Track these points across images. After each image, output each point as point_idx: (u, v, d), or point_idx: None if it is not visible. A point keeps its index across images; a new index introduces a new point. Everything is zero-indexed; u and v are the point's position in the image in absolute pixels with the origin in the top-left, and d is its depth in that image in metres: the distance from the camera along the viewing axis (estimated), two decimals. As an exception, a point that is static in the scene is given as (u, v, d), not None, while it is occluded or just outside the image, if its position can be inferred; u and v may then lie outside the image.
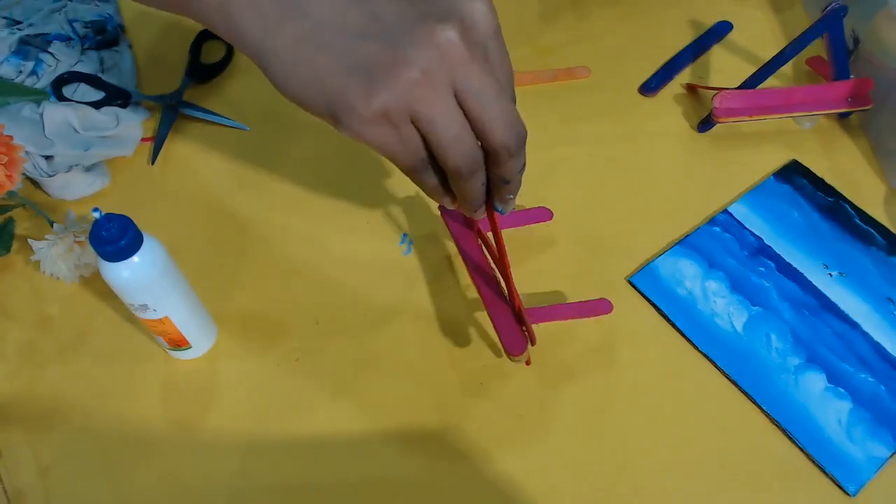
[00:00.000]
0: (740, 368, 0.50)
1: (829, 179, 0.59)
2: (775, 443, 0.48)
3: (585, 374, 0.50)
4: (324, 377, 0.50)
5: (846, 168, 0.60)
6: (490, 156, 0.36)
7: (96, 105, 0.60)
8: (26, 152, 0.55)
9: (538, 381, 0.50)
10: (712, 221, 0.56)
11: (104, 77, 0.62)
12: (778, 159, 0.61)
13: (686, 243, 0.55)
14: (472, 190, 0.37)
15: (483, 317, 0.52)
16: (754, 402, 0.49)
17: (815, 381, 0.49)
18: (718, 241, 0.55)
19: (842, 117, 0.63)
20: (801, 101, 0.60)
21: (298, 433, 0.48)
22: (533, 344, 0.47)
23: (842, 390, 0.49)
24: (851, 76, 0.61)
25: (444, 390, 0.50)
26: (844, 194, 0.58)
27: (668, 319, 0.52)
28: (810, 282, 0.53)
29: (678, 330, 0.52)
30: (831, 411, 0.48)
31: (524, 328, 0.47)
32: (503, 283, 0.48)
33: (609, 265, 0.55)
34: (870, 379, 0.49)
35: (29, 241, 0.52)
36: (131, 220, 0.41)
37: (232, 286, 0.54)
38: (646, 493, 0.46)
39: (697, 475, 0.46)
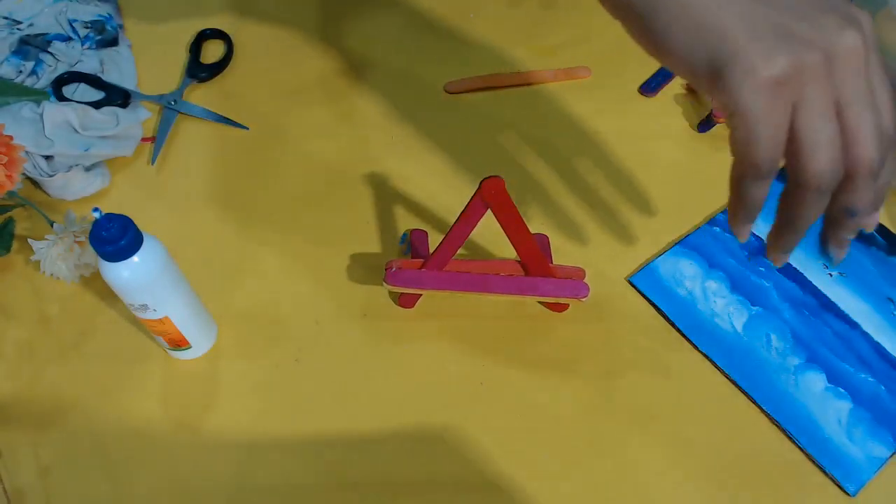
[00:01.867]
0: (740, 368, 0.50)
1: (829, 179, 0.59)
2: (775, 443, 0.48)
3: (585, 374, 0.50)
4: (324, 377, 0.50)
5: (846, 168, 0.60)
6: (844, 177, 0.33)
7: (96, 105, 0.60)
8: (26, 152, 0.55)
9: (538, 381, 0.50)
10: (712, 221, 0.56)
11: (104, 77, 0.62)
12: (778, 159, 0.61)
13: (686, 243, 0.55)
14: (808, 213, 0.34)
15: (483, 316, 0.52)
16: (754, 402, 0.49)
17: (816, 381, 0.49)
18: (718, 241, 0.55)
19: (842, 117, 0.63)
20: (802, 101, 0.60)
21: (298, 433, 0.48)
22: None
23: (842, 390, 0.49)
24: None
25: (444, 390, 0.50)
26: None
27: (668, 319, 0.52)
28: (810, 282, 0.53)
29: (678, 330, 0.52)
30: (831, 411, 0.48)
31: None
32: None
33: (609, 265, 0.55)
34: (870, 379, 0.49)
35: (29, 241, 0.52)
36: (131, 220, 0.41)
37: (232, 286, 0.54)
38: (646, 494, 0.46)
39: (697, 475, 0.46)
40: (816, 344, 0.51)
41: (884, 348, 0.50)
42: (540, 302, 0.53)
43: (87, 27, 0.65)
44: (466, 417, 0.48)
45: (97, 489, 0.46)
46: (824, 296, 0.53)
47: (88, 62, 0.63)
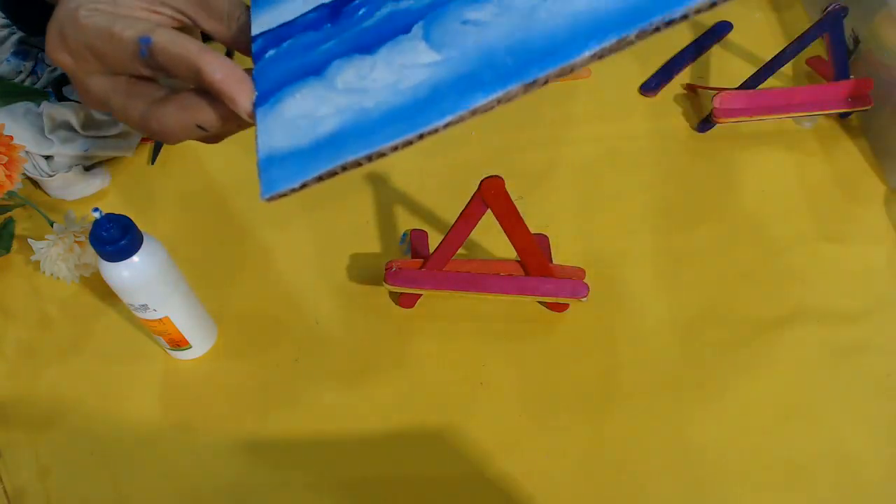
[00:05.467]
0: None
1: (829, 180, 0.59)
2: (778, 443, 0.48)
3: (585, 373, 0.50)
4: (323, 377, 0.50)
5: (846, 168, 0.60)
6: None
7: (96, 105, 0.60)
8: (26, 152, 0.55)
9: (538, 381, 0.50)
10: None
11: (104, 77, 0.62)
12: (777, 159, 0.61)
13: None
14: None
15: (483, 316, 0.53)
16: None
17: None
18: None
19: (842, 117, 0.63)
20: (802, 102, 0.60)
21: (298, 433, 0.48)
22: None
23: None
24: (851, 76, 0.61)
25: (444, 390, 0.50)
26: (845, 194, 0.58)
27: None
28: None
29: None
30: None
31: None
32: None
33: (609, 266, 0.55)
34: None
35: (29, 241, 0.52)
36: (131, 221, 0.41)
37: (232, 286, 0.54)
38: (646, 494, 0.46)
39: (698, 475, 0.46)
40: None
41: None
42: (540, 302, 0.53)
43: (87, 27, 0.65)
44: (466, 417, 0.48)
45: (97, 489, 0.46)
46: None
47: (88, 62, 0.63)
